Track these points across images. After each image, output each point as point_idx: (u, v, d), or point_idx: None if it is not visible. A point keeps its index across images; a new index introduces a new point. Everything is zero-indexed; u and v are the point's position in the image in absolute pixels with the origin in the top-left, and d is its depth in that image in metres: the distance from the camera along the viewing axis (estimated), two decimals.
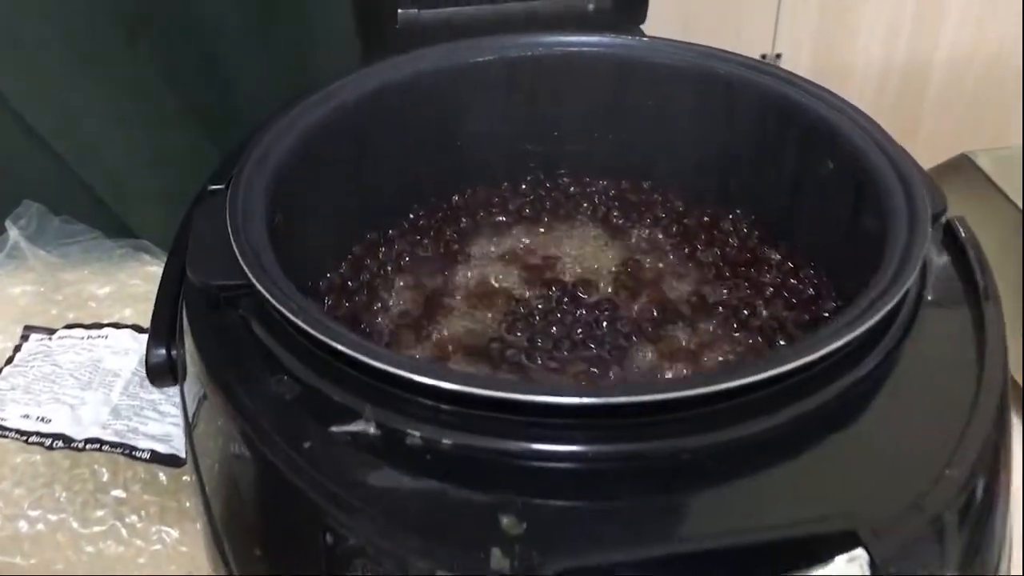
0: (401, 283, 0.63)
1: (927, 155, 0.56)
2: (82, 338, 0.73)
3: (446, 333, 0.58)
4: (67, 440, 0.64)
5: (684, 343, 0.58)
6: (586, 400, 0.41)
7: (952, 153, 0.92)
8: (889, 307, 0.45)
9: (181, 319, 0.51)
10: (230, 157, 0.59)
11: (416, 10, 0.70)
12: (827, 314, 0.59)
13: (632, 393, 0.41)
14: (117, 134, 0.77)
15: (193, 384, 0.49)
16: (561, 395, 0.41)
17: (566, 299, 0.61)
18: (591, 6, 0.72)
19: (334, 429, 0.42)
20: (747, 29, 1.23)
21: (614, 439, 0.41)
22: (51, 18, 0.69)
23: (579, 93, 0.67)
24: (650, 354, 0.57)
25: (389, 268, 0.64)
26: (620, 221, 0.67)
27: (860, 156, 0.56)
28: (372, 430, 0.42)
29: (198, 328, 0.49)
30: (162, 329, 0.53)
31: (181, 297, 0.53)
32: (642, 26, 0.76)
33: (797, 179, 0.62)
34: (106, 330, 0.74)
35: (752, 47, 1.24)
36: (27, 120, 0.73)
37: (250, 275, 0.48)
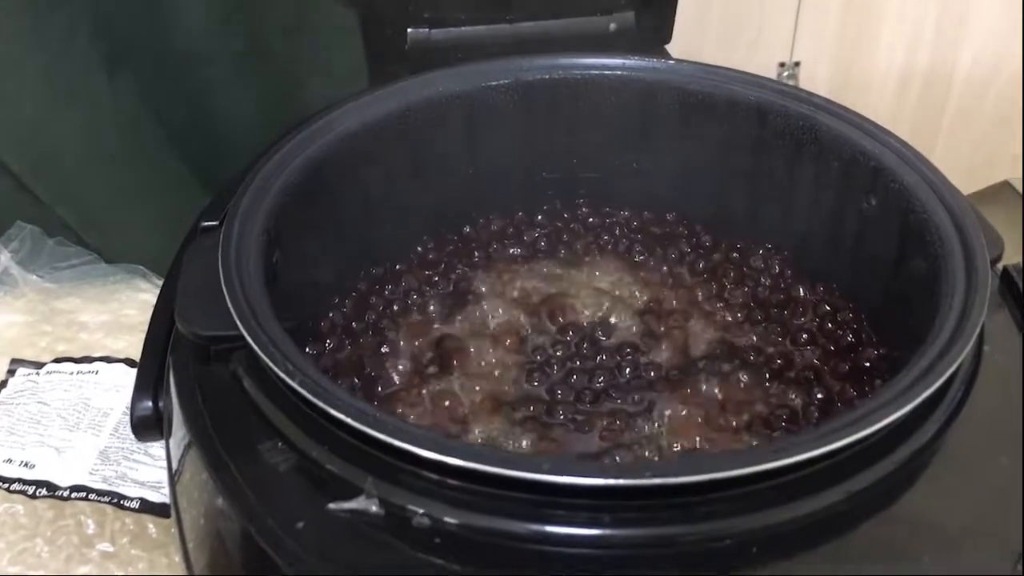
0: (408, 324, 0.58)
1: (945, 168, 0.53)
2: (71, 373, 0.69)
3: (457, 386, 0.53)
4: (51, 488, 0.60)
5: (715, 393, 0.53)
6: (613, 481, 0.36)
7: (971, 167, 0.88)
8: (951, 370, 0.41)
9: (168, 370, 0.47)
10: (224, 191, 0.55)
11: (427, 29, 0.66)
12: (868, 363, 0.54)
13: (666, 474, 0.36)
14: (96, 170, 0.74)
15: (178, 441, 0.45)
16: (585, 475, 0.37)
17: (586, 344, 0.56)
18: (612, 26, 0.67)
19: (332, 506, 0.38)
20: (765, 36, 1.19)
21: (645, 522, 0.37)
22: (28, 52, 0.66)
23: (599, 118, 0.63)
24: (677, 407, 0.52)
25: (396, 307, 0.59)
26: (642, 256, 0.63)
27: (907, 193, 0.52)
28: (374, 508, 0.38)
29: (183, 383, 0.45)
30: (149, 378, 0.49)
31: (170, 345, 0.49)
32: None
33: (836, 215, 0.58)
34: (97, 364, 0.69)
35: (770, 55, 1.20)
36: (3, 159, 0.70)
37: (241, 327, 0.43)
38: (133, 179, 0.77)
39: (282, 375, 0.41)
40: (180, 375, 0.45)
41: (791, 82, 1.22)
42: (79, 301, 0.78)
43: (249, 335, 0.43)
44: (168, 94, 0.76)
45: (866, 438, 0.38)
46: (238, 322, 0.44)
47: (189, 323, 0.46)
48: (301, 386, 0.40)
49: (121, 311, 0.76)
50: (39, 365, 0.70)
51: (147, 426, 0.49)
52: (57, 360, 0.70)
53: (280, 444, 0.41)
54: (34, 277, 0.80)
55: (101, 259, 0.83)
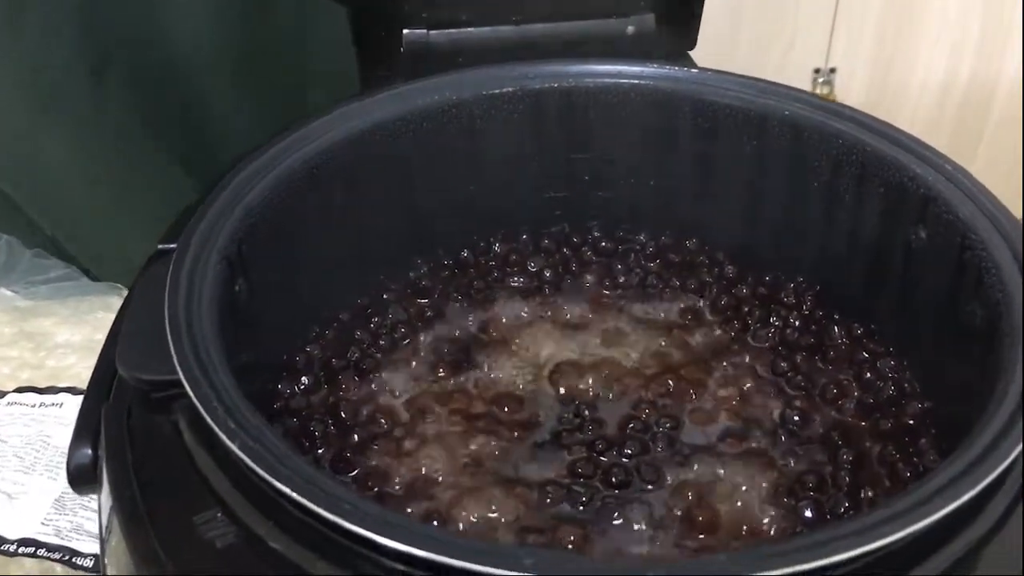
0: (395, 363, 0.52)
1: (985, 180, 0.47)
2: (33, 405, 0.63)
3: (445, 450, 0.47)
4: None
5: (733, 455, 0.46)
6: None
7: (1012, 182, 0.81)
8: (1018, 450, 0.34)
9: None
10: (189, 211, 0.48)
11: (424, 30, 0.60)
12: (911, 420, 0.48)
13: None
14: (79, 179, 0.70)
15: (105, 498, 0.39)
16: (577, 572, 0.30)
17: (586, 411, 0.49)
18: (630, 28, 0.61)
19: None
20: (800, 42, 1.15)
21: None
22: (11, 59, 0.64)
23: (614, 132, 0.57)
24: (688, 476, 0.46)
25: (382, 341, 0.53)
26: (659, 287, 0.56)
27: (963, 226, 0.45)
28: None
29: (114, 433, 0.39)
30: (91, 422, 0.43)
31: (113, 386, 0.43)
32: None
33: (879, 248, 0.51)
34: (61, 396, 0.64)
35: (805, 60, 1.16)
36: None
37: (180, 372, 0.37)
38: (117, 189, 0.73)
39: (220, 434, 0.35)
40: (111, 423, 0.39)
41: (826, 89, 1.18)
42: (52, 321, 0.73)
43: (188, 382, 0.37)
44: (156, 101, 0.72)
45: (920, 531, 0.32)
46: (177, 365, 0.37)
47: (128, 364, 0.40)
48: (242, 450, 0.34)
49: (94, 335, 0.71)
50: (1, 394, 0.65)
51: (85, 477, 0.42)
52: (20, 389, 0.65)
53: (220, 515, 0.35)
54: (8, 292, 0.75)
55: (81, 273, 0.79)
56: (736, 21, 1.08)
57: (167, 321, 0.40)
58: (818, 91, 1.19)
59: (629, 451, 0.46)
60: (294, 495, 0.33)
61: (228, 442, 0.34)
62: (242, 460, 0.34)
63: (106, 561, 0.39)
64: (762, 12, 1.09)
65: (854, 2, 1.13)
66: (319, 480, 0.34)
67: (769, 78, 0.55)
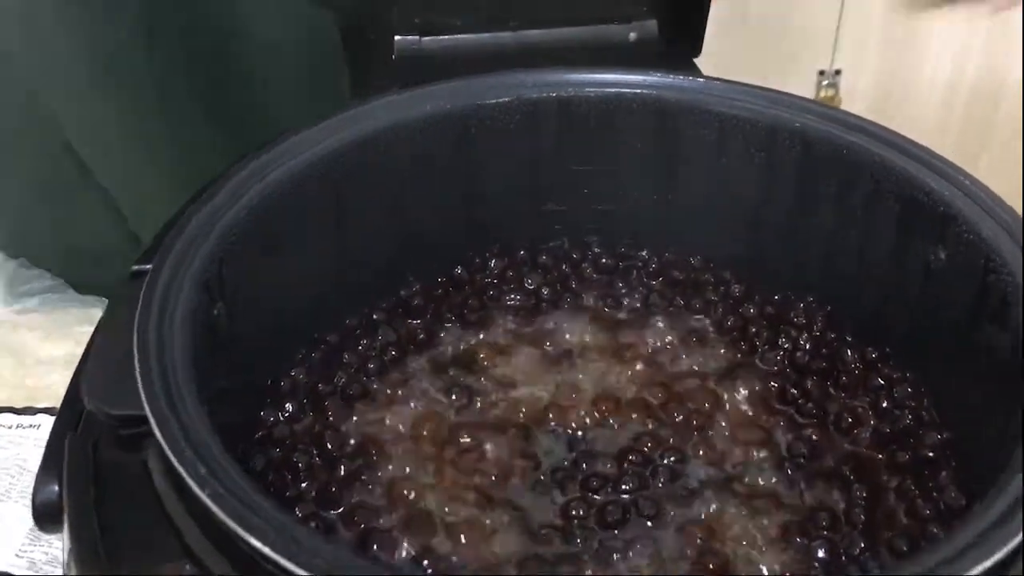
0: (384, 390, 0.49)
1: (990, 183, 0.46)
2: (10, 427, 0.61)
3: (427, 493, 0.44)
4: None
5: (738, 493, 0.44)
6: None
7: (1017, 186, 0.80)
8: None
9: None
10: (168, 226, 0.46)
11: (417, 36, 0.57)
12: (931, 452, 0.45)
13: None
14: (129, 136, 0.71)
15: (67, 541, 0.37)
16: None
17: (596, 435, 0.47)
18: (633, 35, 0.58)
19: None
20: (806, 42, 1.13)
21: None
22: (77, 28, 0.66)
23: (615, 143, 0.55)
24: (692, 515, 0.43)
25: (371, 364, 0.50)
26: (662, 306, 0.54)
27: (985, 247, 0.42)
28: None
29: (77, 472, 0.36)
30: (58, 456, 0.40)
31: (81, 419, 0.40)
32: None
33: (894, 267, 0.48)
34: (39, 417, 0.62)
35: (810, 61, 1.15)
36: (59, 123, 0.70)
37: (147, 408, 0.35)
38: (161, 148, 0.73)
39: (189, 481, 0.32)
40: (75, 458, 0.37)
41: (831, 91, 1.16)
42: (35, 335, 0.71)
43: (155, 420, 0.34)
44: (205, 68, 0.73)
45: None
46: (144, 402, 0.35)
47: (95, 397, 0.38)
48: (212, 499, 0.31)
49: (76, 349, 0.68)
50: None
51: (52, 515, 0.39)
52: None
53: (188, 567, 0.32)
54: None
55: (66, 286, 0.77)
56: (739, 22, 1.05)
57: (135, 351, 0.37)
58: (823, 93, 1.18)
59: (627, 487, 0.44)
60: (266, 550, 0.30)
61: (197, 490, 0.32)
62: (211, 510, 0.31)
63: None
64: (766, 14, 1.08)
65: (860, 3, 1.12)
66: (296, 532, 0.31)
67: (773, 80, 0.53)
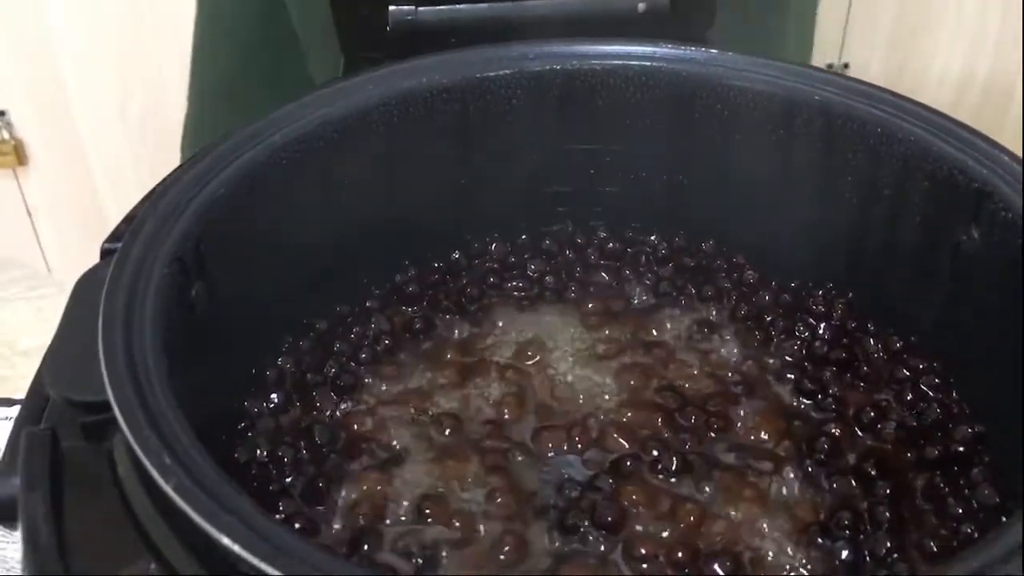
0: (377, 381, 0.46)
1: None
2: None
3: (422, 492, 0.41)
4: None
5: (753, 493, 0.41)
6: None
7: None
8: None
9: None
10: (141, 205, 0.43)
11: (412, 7, 0.54)
12: (961, 447, 0.42)
13: None
14: None
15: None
16: None
17: (602, 432, 0.44)
18: (642, 6, 0.55)
19: None
20: (815, 36, 1.12)
21: None
22: None
23: (623, 120, 0.51)
24: (717, 511, 0.40)
25: (363, 354, 0.47)
26: (672, 295, 0.51)
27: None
28: None
29: (33, 463, 0.33)
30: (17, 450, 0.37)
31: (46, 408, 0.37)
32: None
33: (923, 249, 0.45)
34: (15, 410, 0.58)
35: (819, 55, 1.14)
36: None
37: (110, 392, 0.32)
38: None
39: (152, 471, 0.29)
40: (33, 449, 0.33)
41: None
42: (13, 325, 0.68)
43: (118, 405, 0.31)
44: None
45: None
46: (107, 384, 0.32)
47: (59, 383, 0.35)
48: (176, 491, 0.28)
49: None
50: None
51: (12, 510, 0.36)
52: None
53: (153, 567, 0.29)
54: None
55: (46, 271, 0.74)
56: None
57: (100, 332, 0.34)
58: None
59: (634, 489, 0.41)
60: (235, 547, 0.27)
61: (160, 480, 0.29)
62: (177, 504, 0.28)
63: None
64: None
65: None
66: (267, 528, 0.28)
67: None
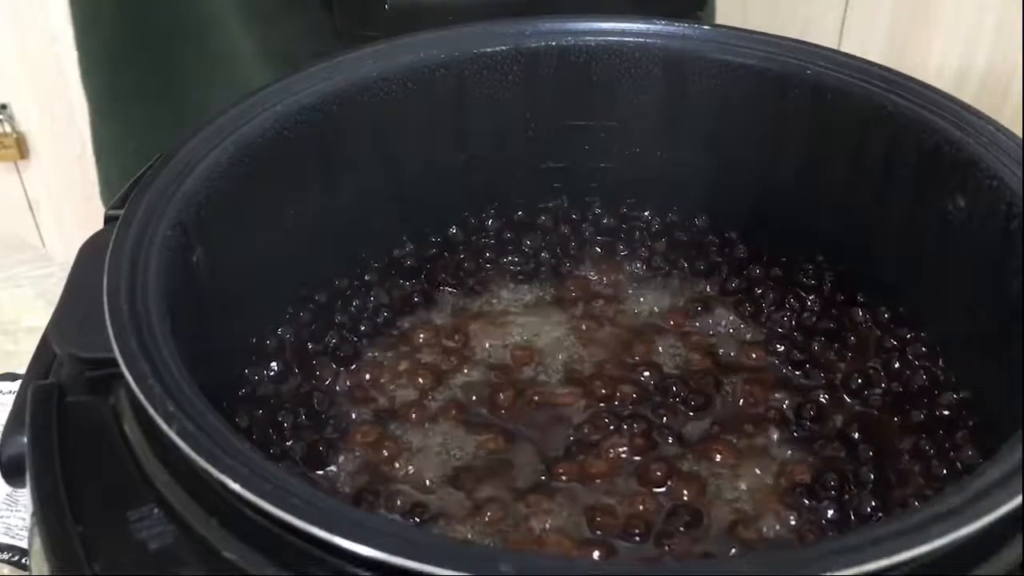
0: (376, 352, 0.47)
1: None
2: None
3: (419, 460, 0.42)
4: None
5: (743, 452, 0.42)
6: None
7: None
8: None
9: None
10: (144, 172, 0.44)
11: None
12: (947, 411, 0.43)
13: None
14: None
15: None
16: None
17: (598, 401, 0.45)
18: None
19: None
20: (812, 26, 1.13)
21: None
22: None
23: (618, 96, 0.52)
24: (707, 474, 0.41)
25: (363, 327, 0.48)
26: (667, 269, 0.52)
27: (1009, 193, 0.40)
28: None
29: (40, 418, 0.34)
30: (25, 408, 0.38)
31: (53, 367, 0.38)
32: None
33: (910, 220, 0.46)
34: (18, 383, 0.59)
35: None
36: None
37: (115, 346, 0.32)
38: None
39: (155, 416, 0.30)
40: (39, 405, 0.34)
41: None
42: (15, 305, 0.68)
43: (122, 357, 0.32)
44: None
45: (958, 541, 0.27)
46: (112, 339, 0.33)
47: (65, 340, 0.36)
48: (179, 435, 0.29)
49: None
50: None
51: (20, 469, 0.37)
52: None
53: (156, 511, 0.30)
54: None
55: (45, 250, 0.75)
56: (744, 11, 1.06)
57: (105, 291, 0.35)
58: None
59: (624, 451, 0.42)
60: (236, 487, 0.28)
61: (164, 425, 0.30)
62: (179, 447, 0.29)
63: (30, 564, 0.35)
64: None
65: None
66: (268, 471, 0.29)
67: None
